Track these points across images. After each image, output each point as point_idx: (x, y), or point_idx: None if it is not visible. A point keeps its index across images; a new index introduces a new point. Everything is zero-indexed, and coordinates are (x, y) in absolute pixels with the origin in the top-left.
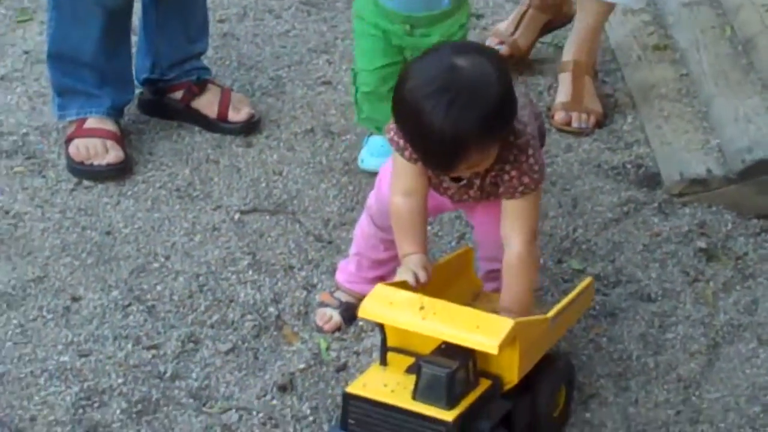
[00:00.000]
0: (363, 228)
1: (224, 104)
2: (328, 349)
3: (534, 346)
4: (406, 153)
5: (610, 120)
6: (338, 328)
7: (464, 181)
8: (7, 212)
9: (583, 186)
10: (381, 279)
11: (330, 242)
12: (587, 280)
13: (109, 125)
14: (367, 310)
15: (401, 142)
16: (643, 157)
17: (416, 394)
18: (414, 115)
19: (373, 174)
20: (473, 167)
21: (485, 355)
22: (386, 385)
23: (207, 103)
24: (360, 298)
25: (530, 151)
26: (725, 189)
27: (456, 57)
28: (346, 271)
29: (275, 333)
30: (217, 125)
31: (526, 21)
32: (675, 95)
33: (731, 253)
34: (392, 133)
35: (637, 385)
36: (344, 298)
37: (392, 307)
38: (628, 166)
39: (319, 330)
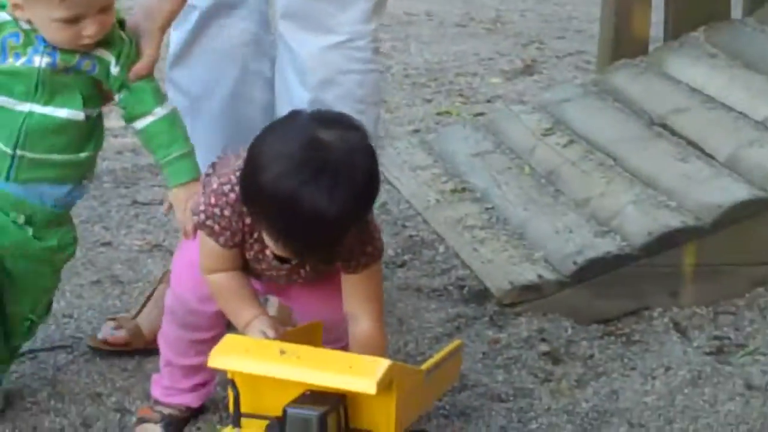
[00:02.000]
0: (167, 335)
1: None
2: None
3: (410, 399)
4: (221, 239)
5: (419, 255)
6: None
7: (293, 263)
8: None
9: (406, 308)
10: (200, 386)
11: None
12: (456, 342)
13: None
14: (217, 360)
15: (217, 227)
16: (464, 279)
17: None
18: (289, 205)
19: None
20: None
21: (357, 407)
22: None
23: None
24: (183, 409)
25: (369, 217)
26: (560, 294)
27: (318, 130)
28: (160, 384)
29: None
30: None
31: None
32: (485, 224)
33: (577, 356)
34: (203, 216)
35: None
36: (166, 411)
37: (249, 355)
38: (450, 287)
39: None
